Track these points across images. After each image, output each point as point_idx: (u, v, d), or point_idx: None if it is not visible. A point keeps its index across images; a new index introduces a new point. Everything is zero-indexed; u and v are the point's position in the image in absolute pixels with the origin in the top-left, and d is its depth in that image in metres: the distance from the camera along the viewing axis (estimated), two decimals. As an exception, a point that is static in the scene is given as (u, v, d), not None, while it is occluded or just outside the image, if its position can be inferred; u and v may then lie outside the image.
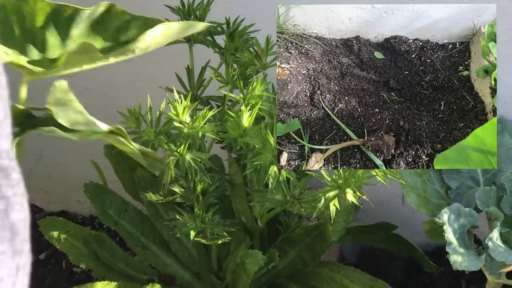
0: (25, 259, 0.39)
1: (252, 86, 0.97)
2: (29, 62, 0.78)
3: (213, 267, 1.28)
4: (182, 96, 0.95)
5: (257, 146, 0.95)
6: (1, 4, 0.73)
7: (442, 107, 1.13)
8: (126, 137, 0.78)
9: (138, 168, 1.24)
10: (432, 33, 1.26)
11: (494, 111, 1.07)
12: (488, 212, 1.13)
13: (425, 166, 1.01)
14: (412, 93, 1.18)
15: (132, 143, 0.80)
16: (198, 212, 1.03)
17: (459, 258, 1.05)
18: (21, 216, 0.39)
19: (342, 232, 1.19)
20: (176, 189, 1.05)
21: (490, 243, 1.05)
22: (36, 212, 1.81)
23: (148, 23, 0.81)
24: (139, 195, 1.20)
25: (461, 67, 1.23)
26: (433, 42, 1.28)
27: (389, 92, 1.17)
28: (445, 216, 1.09)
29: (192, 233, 1.03)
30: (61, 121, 0.71)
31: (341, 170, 0.92)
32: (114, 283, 1.14)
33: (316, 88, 1.17)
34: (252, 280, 1.11)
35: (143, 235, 1.28)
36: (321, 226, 1.12)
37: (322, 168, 0.95)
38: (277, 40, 1.24)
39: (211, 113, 0.95)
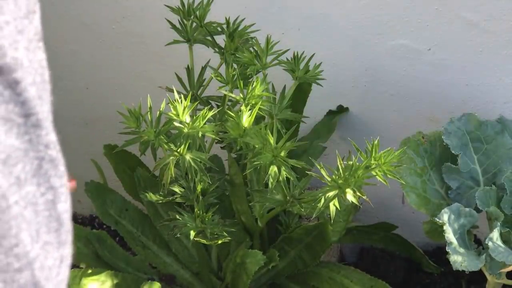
0: (68, 250, 0.40)
1: (252, 86, 0.97)
2: None
3: (213, 267, 1.28)
4: (182, 96, 0.95)
5: (257, 146, 0.95)
6: None
7: None
8: None
9: (138, 168, 1.24)
10: None
11: None
12: (488, 212, 1.13)
13: None
14: None
15: None
16: (198, 212, 1.03)
17: (459, 258, 1.05)
18: (66, 207, 0.40)
19: (342, 232, 1.19)
20: (176, 189, 1.05)
21: (490, 243, 1.05)
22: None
23: None
24: (139, 195, 1.20)
25: None
26: None
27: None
28: (445, 216, 1.09)
29: (192, 233, 1.03)
30: None
31: (341, 170, 0.92)
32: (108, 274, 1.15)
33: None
34: (252, 280, 1.11)
35: (143, 235, 1.28)
36: (321, 226, 1.12)
37: (322, 168, 0.95)
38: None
39: (211, 113, 0.95)
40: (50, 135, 0.39)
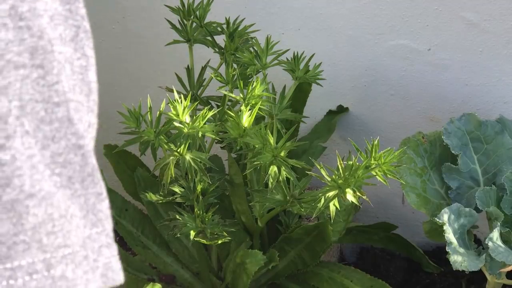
0: (94, 120, 0.43)
1: (252, 86, 0.97)
2: None
3: (213, 267, 1.28)
4: (182, 96, 0.95)
5: (257, 146, 0.95)
6: None
7: None
8: None
9: (138, 168, 1.24)
10: None
11: None
12: (488, 212, 1.13)
13: None
14: None
15: None
16: (198, 212, 1.03)
17: (459, 258, 1.05)
18: (95, 78, 0.44)
19: (342, 232, 1.19)
20: (176, 189, 1.05)
21: (490, 243, 1.05)
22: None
23: None
24: (139, 195, 1.20)
25: None
26: None
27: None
28: (445, 216, 1.09)
29: (192, 233, 1.03)
30: None
31: (341, 170, 0.92)
32: None
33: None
34: (252, 280, 1.11)
35: (143, 235, 1.28)
36: (321, 226, 1.12)
37: (322, 168, 0.95)
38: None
39: (211, 113, 0.95)
40: (85, 11, 0.44)
